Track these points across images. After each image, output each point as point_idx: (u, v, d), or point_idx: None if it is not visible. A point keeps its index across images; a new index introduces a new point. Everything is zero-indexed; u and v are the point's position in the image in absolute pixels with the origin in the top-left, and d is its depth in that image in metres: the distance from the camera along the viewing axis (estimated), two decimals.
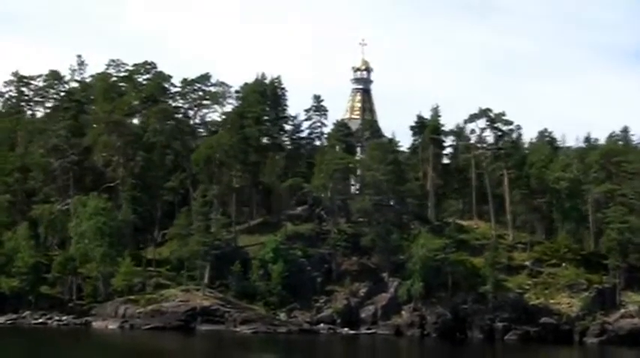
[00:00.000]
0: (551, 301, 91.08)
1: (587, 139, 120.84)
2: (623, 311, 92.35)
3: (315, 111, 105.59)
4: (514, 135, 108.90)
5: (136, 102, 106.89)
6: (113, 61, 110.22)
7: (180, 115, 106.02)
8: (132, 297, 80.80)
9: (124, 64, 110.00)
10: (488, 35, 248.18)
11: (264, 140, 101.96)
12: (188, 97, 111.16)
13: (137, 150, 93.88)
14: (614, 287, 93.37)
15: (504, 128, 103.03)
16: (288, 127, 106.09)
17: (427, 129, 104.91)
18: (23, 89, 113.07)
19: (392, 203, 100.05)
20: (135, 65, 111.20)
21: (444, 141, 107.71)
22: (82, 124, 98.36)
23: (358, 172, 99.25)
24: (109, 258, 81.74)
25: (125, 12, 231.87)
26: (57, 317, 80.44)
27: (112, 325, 77.55)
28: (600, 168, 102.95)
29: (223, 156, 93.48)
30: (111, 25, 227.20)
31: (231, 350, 67.04)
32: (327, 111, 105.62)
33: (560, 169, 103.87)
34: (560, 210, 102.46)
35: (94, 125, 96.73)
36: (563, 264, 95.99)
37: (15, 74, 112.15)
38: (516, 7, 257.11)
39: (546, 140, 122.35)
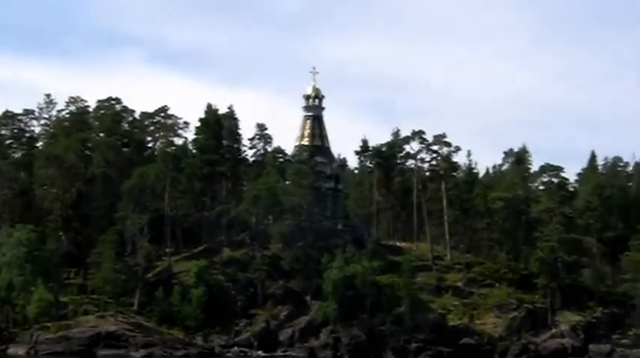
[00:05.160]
0: (478, 322, 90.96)
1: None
2: (554, 331, 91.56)
3: (259, 139, 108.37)
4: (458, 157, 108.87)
5: (102, 136, 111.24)
6: (73, 98, 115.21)
7: (128, 148, 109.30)
8: (48, 324, 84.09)
9: (83, 100, 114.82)
10: None
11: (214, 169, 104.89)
12: (146, 130, 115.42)
13: (75, 182, 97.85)
14: (548, 307, 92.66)
15: (444, 150, 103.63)
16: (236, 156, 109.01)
17: (371, 153, 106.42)
18: None
19: (341, 226, 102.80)
20: (99, 101, 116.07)
21: (396, 164, 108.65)
22: (30, 161, 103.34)
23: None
24: (30, 287, 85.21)
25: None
26: None
27: (21, 351, 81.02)
28: (539, 187, 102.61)
29: (157, 185, 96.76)
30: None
31: None
32: (271, 138, 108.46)
33: (504, 189, 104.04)
34: (499, 229, 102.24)
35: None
36: (497, 285, 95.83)
37: None
38: None
39: (512, 160, 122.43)
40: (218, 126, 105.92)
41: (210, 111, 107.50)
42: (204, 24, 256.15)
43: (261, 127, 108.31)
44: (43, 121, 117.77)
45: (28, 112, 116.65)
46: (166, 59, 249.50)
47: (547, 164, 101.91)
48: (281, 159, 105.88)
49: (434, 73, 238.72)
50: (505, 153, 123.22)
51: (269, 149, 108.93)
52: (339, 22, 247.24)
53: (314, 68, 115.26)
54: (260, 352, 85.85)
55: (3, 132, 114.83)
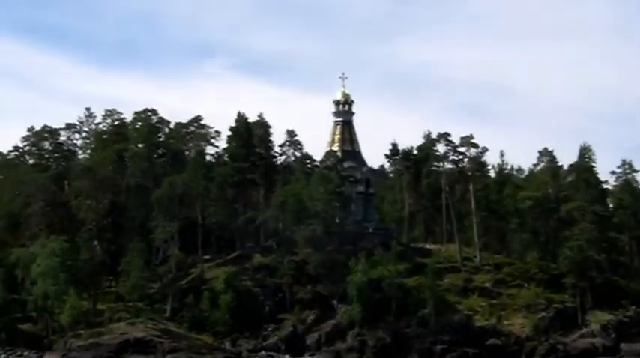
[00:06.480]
0: (505, 322, 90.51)
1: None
2: (584, 330, 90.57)
3: (289, 145, 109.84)
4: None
5: (141, 146, 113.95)
6: (109, 111, 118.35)
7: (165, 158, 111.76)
8: (81, 331, 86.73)
9: (118, 112, 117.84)
10: None
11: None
12: (181, 140, 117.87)
13: (109, 193, 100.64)
14: (578, 307, 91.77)
15: (472, 151, 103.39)
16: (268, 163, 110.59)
17: (400, 156, 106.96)
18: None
19: (372, 230, 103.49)
20: (136, 113, 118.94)
21: (423, 167, 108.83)
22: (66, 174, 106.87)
23: None
24: (63, 296, 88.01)
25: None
26: (19, 352, 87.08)
27: None
28: (569, 186, 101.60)
29: (188, 193, 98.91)
30: None
31: None
32: (301, 145, 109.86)
33: (534, 189, 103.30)
34: (529, 229, 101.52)
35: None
36: (526, 285, 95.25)
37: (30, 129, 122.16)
38: None
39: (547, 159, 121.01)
40: (248, 134, 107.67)
41: (241, 119, 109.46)
42: (281, 31, 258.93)
43: (291, 134, 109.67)
44: (84, 134, 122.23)
45: (69, 126, 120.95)
46: (249, 67, 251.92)
47: (577, 162, 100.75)
48: (309, 165, 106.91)
49: (517, 75, 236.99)
50: (540, 152, 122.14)
51: (299, 155, 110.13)
52: (418, 25, 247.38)
53: (343, 74, 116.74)
54: (287, 356, 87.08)
55: (46, 146, 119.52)
